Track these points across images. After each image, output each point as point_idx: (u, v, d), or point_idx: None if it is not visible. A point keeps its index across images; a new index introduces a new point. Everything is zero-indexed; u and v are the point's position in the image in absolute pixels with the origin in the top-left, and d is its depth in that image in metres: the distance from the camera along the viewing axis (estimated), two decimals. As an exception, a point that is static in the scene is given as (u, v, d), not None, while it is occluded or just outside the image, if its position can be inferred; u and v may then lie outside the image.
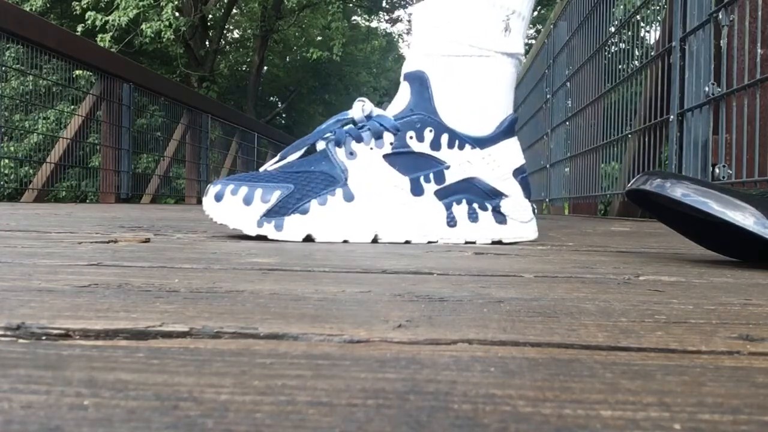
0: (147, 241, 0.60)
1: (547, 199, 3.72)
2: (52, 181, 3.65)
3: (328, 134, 0.69)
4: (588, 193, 2.82)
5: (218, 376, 0.16)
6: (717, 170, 1.55)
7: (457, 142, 0.67)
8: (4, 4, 3.15)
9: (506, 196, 0.69)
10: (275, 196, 0.64)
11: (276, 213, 0.64)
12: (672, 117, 1.85)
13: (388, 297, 0.28)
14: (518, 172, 0.70)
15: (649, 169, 2.04)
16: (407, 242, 0.65)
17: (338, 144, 0.67)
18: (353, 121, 0.69)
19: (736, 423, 0.14)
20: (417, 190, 0.66)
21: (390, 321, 0.23)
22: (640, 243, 0.74)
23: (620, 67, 2.58)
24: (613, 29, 2.66)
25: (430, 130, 0.67)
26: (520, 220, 0.70)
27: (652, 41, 2.43)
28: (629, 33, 2.56)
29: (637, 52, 2.55)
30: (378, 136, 0.67)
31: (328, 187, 0.65)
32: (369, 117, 0.68)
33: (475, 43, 0.68)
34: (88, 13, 7.48)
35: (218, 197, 0.65)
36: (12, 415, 0.13)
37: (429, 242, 0.66)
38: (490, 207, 0.68)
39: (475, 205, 0.68)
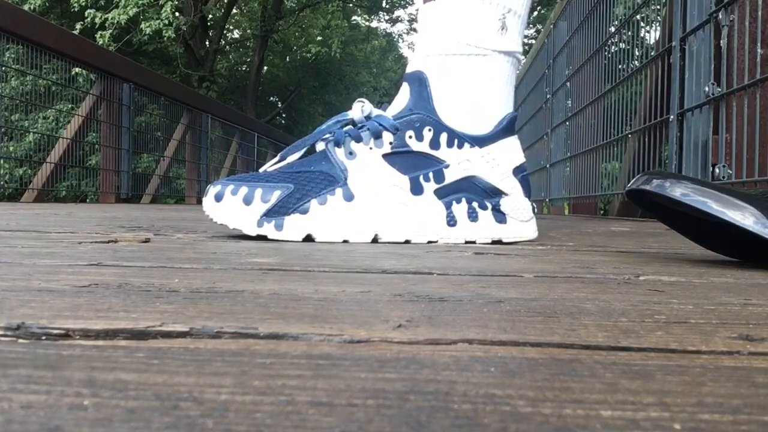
0: (147, 241, 0.60)
1: (547, 199, 3.72)
2: (52, 181, 3.65)
3: (328, 135, 0.69)
4: (588, 193, 2.82)
5: (218, 376, 0.16)
6: (717, 170, 1.55)
7: (456, 140, 0.67)
8: (4, 4, 3.15)
9: (506, 194, 0.69)
10: (275, 195, 0.64)
11: (276, 213, 0.64)
12: (672, 117, 1.85)
13: (388, 297, 0.28)
14: (518, 171, 0.70)
15: (649, 169, 2.04)
16: (407, 242, 0.65)
17: (337, 144, 0.67)
18: (353, 122, 0.69)
19: (736, 423, 0.14)
20: (417, 190, 0.66)
21: (390, 321, 0.23)
22: (640, 243, 0.74)
23: (620, 67, 2.58)
24: (613, 29, 2.66)
25: (429, 129, 0.67)
26: (520, 219, 0.69)
27: (652, 41, 2.43)
28: (629, 33, 2.56)
29: (637, 52, 2.55)
30: (377, 136, 0.67)
31: (328, 186, 0.65)
32: (368, 117, 0.69)
33: (472, 41, 0.68)
34: (88, 10, 7.48)
35: (218, 197, 0.65)
36: (12, 415, 0.13)
37: (429, 242, 0.66)
38: (489, 206, 0.68)
39: (475, 204, 0.68)
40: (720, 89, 1.57)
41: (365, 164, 0.67)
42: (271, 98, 13.37)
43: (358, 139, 0.67)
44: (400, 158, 0.67)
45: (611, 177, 2.76)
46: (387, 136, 0.67)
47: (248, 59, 11.47)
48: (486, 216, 0.68)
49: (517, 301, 0.28)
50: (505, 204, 0.69)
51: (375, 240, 0.65)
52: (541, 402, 0.15)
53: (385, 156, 0.67)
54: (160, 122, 5.08)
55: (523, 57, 0.73)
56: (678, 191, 0.44)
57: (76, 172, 4.70)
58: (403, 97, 0.69)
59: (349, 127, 0.69)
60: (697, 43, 1.72)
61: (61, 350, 0.18)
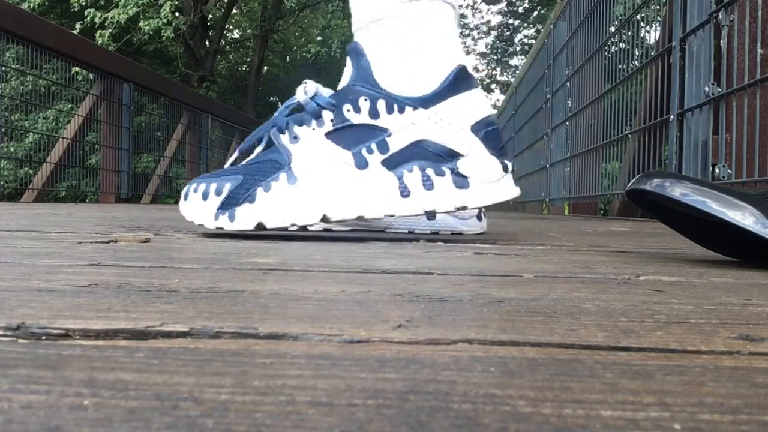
0: (147, 241, 0.60)
1: (547, 199, 3.72)
2: (52, 181, 3.65)
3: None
4: (588, 193, 2.82)
5: (218, 376, 0.16)
6: (717, 170, 1.55)
7: (395, 106, 0.64)
8: (4, 4, 3.15)
9: (462, 155, 0.63)
10: (226, 188, 0.65)
11: (228, 205, 0.65)
12: (672, 117, 1.85)
13: (388, 297, 0.28)
14: (481, 126, 0.64)
15: (649, 169, 2.04)
16: (360, 218, 0.64)
17: (281, 131, 0.67)
18: (300, 105, 0.68)
19: (736, 423, 0.14)
20: (361, 163, 0.64)
21: (390, 321, 0.23)
22: (640, 243, 0.74)
23: (620, 67, 2.58)
24: (613, 29, 2.66)
25: (365, 99, 0.64)
26: (489, 180, 0.63)
27: (652, 41, 2.43)
28: (629, 33, 2.56)
29: (637, 52, 2.55)
30: (317, 116, 0.66)
31: (273, 173, 0.65)
32: (313, 98, 0.67)
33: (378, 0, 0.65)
34: (87, 10, 7.49)
35: (186, 195, 0.67)
36: (12, 415, 0.13)
37: (386, 215, 0.63)
38: (448, 171, 0.63)
39: (430, 171, 0.63)
40: (720, 89, 1.57)
41: (309, 146, 0.65)
42: (271, 98, 13.36)
43: (301, 123, 0.66)
44: (344, 134, 0.65)
45: (611, 177, 2.76)
46: (327, 115, 0.65)
47: (248, 59, 11.47)
48: (444, 182, 0.63)
49: (517, 301, 0.28)
50: (464, 166, 0.63)
51: (325, 220, 0.64)
52: (541, 402, 0.15)
53: (328, 134, 0.65)
54: (160, 122, 5.08)
55: (459, 1, 0.67)
56: (678, 191, 0.44)
57: (76, 172, 4.70)
58: (346, 74, 0.67)
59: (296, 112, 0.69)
60: (697, 43, 1.72)
61: (61, 350, 0.18)
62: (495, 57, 14.89)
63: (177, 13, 8.03)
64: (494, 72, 15.25)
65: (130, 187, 4.28)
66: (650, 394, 0.15)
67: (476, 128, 0.64)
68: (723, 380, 0.17)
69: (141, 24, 7.51)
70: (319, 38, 11.29)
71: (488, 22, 19.80)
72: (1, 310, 0.23)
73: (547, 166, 3.70)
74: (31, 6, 7.68)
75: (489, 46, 15.07)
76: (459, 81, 0.65)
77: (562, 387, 0.16)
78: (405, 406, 0.14)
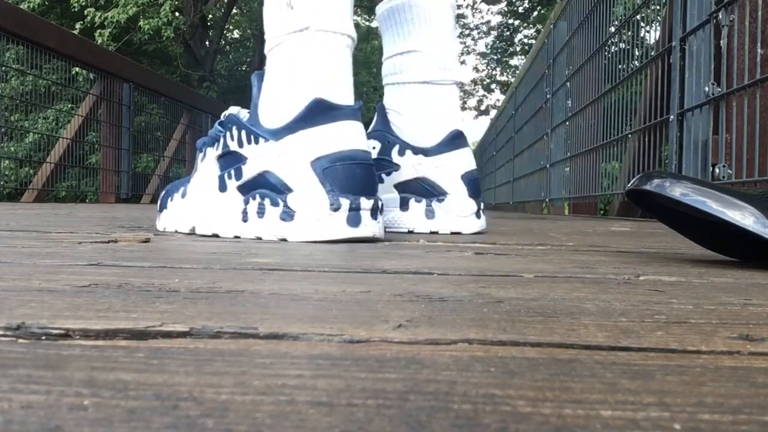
0: (147, 241, 0.60)
1: (547, 199, 3.72)
2: (52, 181, 3.65)
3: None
4: (588, 192, 2.82)
5: (218, 376, 0.16)
6: (717, 170, 1.55)
7: (252, 137, 0.68)
8: (4, 4, 3.15)
9: (292, 190, 0.64)
10: (161, 196, 0.79)
11: (159, 210, 0.79)
12: (672, 117, 1.85)
13: (388, 297, 0.28)
14: (324, 162, 0.63)
15: (649, 169, 2.04)
16: (215, 235, 0.69)
17: (199, 149, 0.75)
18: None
19: (736, 423, 0.13)
20: (222, 187, 0.70)
21: (390, 321, 0.23)
22: (640, 243, 0.74)
23: (620, 67, 2.58)
24: (613, 29, 2.66)
25: (236, 128, 0.70)
26: (314, 218, 0.63)
27: (652, 41, 2.43)
28: (629, 33, 2.56)
29: (637, 52, 2.55)
30: (217, 140, 0.73)
31: (182, 186, 0.76)
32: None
33: (269, 33, 0.70)
34: (87, 9, 7.50)
35: None
36: (12, 415, 0.13)
37: (234, 236, 0.68)
38: (281, 202, 0.65)
39: (267, 201, 0.65)
40: (720, 89, 1.57)
41: (205, 166, 0.73)
42: (271, 98, 13.34)
43: (211, 144, 0.73)
44: (225, 158, 0.71)
45: (611, 177, 2.76)
46: (221, 140, 0.72)
47: (248, 59, 11.47)
48: (273, 213, 0.65)
49: (517, 301, 0.28)
50: (292, 200, 0.64)
51: (192, 232, 0.72)
52: (541, 402, 0.15)
53: (219, 158, 0.72)
54: (160, 122, 5.08)
55: (333, 26, 0.66)
56: (678, 191, 0.44)
57: (76, 172, 4.70)
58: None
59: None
60: (697, 43, 1.72)
61: (61, 350, 0.18)
62: (495, 57, 14.89)
63: (177, 13, 8.03)
64: (494, 72, 15.25)
65: (130, 187, 4.28)
66: (650, 394, 0.15)
67: (317, 164, 0.63)
68: (723, 380, 0.17)
69: (141, 24, 7.51)
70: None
71: (488, 22, 19.81)
72: (1, 310, 0.23)
73: (547, 166, 3.69)
74: (31, 6, 7.68)
75: (489, 46, 15.06)
76: (314, 114, 0.64)
77: (562, 387, 0.16)
78: (405, 406, 0.14)
